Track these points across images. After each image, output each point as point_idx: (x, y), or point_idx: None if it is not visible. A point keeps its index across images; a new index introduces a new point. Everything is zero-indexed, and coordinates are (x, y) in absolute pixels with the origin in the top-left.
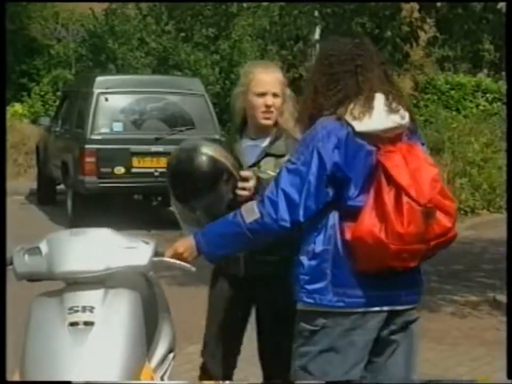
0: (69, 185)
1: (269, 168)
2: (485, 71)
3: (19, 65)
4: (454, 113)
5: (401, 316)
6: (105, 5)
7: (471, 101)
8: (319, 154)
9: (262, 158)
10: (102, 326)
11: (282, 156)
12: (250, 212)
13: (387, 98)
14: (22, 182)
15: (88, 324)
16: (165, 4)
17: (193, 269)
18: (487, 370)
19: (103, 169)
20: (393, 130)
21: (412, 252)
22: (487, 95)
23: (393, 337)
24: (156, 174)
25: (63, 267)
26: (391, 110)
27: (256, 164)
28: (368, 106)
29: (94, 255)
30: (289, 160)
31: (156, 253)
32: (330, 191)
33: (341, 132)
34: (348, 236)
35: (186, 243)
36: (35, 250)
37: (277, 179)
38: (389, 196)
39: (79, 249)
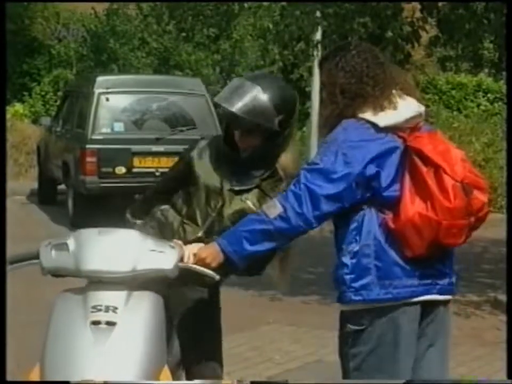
0: (70, 185)
1: (251, 200)
2: (486, 70)
3: (20, 65)
4: (455, 113)
5: (437, 306)
6: (106, 4)
7: (472, 101)
8: (344, 155)
9: (250, 189)
10: (124, 327)
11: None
12: (272, 208)
13: (402, 90)
14: (23, 182)
15: (111, 323)
16: (166, 3)
17: (217, 277)
18: (488, 371)
19: (104, 169)
20: (413, 119)
21: (460, 226)
22: (488, 95)
23: (429, 328)
24: (157, 174)
25: (89, 265)
26: (408, 101)
27: (240, 191)
28: (388, 101)
29: (121, 256)
30: (312, 162)
31: (181, 258)
32: (360, 191)
33: (365, 131)
34: (393, 225)
35: (209, 249)
36: (62, 246)
37: (298, 178)
38: (429, 176)
39: (107, 249)
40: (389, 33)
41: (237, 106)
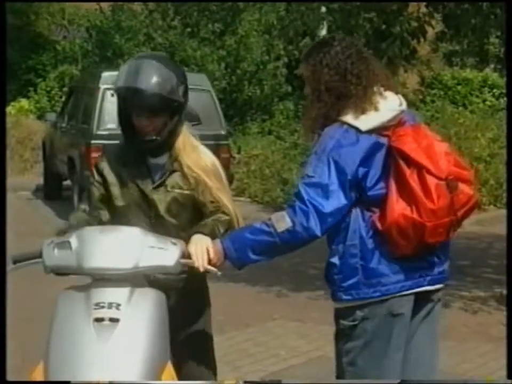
0: (75, 181)
1: (177, 186)
2: (492, 66)
3: (25, 61)
4: (461, 108)
5: (428, 297)
6: None
7: (477, 96)
8: (336, 163)
9: (168, 176)
10: (127, 323)
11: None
12: (281, 221)
13: (381, 89)
14: (28, 177)
15: (114, 320)
16: None
17: (220, 273)
18: (494, 366)
19: None
20: (395, 117)
21: (445, 225)
22: (494, 90)
23: (418, 317)
24: None
25: (91, 263)
26: (389, 99)
27: (162, 184)
28: (370, 102)
29: (123, 253)
30: (306, 175)
31: (183, 254)
32: (354, 194)
33: (350, 136)
34: (379, 225)
35: (216, 247)
36: (65, 245)
37: (300, 192)
38: (412, 178)
39: (109, 246)
40: (396, 29)
41: (146, 84)
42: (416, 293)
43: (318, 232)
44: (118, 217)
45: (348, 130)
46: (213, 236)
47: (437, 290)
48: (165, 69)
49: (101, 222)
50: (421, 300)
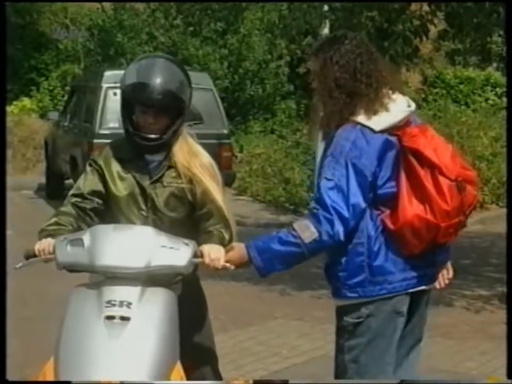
0: None
1: (174, 180)
2: (494, 65)
3: (28, 60)
4: (463, 107)
5: (423, 295)
6: None
7: (480, 95)
8: (354, 165)
9: (165, 172)
10: (138, 322)
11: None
12: (306, 232)
13: (390, 91)
14: (30, 176)
15: (125, 318)
16: None
17: (232, 267)
18: (496, 365)
19: None
20: (405, 118)
21: (456, 225)
22: (496, 89)
23: (410, 315)
24: None
25: (104, 261)
26: (398, 100)
27: (159, 179)
28: (380, 104)
29: (135, 252)
30: (325, 178)
31: (195, 254)
32: (371, 193)
33: (365, 137)
34: (390, 225)
35: (238, 254)
36: (78, 242)
37: (321, 197)
38: (426, 178)
39: (121, 245)
40: (399, 27)
41: (159, 80)
42: (413, 292)
43: (342, 237)
44: (112, 209)
45: (362, 131)
46: (222, 245)
47: (430, 289)
48: (177, 68)
49: (83, 214)
50: (416, 299)
